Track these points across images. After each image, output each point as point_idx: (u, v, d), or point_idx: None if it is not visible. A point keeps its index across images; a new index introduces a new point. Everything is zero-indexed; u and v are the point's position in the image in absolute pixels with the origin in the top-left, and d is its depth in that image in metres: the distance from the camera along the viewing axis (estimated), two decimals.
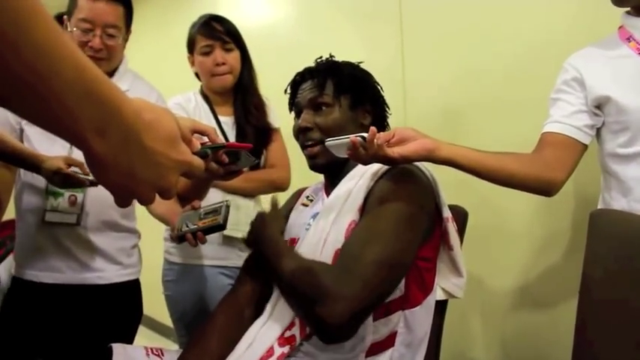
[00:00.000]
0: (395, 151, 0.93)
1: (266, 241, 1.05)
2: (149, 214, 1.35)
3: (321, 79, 1.11)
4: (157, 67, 2.73)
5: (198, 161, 0.54)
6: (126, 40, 1.43)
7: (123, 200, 0.49)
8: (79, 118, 0.40)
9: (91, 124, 0.40)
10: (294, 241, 1.11)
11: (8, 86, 0.36)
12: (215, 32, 1.56)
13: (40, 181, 1.34)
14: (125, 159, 0.44)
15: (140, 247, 1.55)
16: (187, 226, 1.05)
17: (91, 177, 1.25)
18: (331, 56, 1.17)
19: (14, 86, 0.36)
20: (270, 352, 0.93)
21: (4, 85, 0.36)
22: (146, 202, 0.49)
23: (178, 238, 1.06)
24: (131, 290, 1.48)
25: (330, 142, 0.98)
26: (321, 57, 1.17)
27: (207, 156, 0.65)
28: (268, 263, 1.01)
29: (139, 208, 1.51)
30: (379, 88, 1.18)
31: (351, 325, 0.86)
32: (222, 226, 1.02)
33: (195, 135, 0.73)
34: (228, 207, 1.04)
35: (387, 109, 1.19)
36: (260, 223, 1.11)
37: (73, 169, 1.24)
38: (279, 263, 0.97)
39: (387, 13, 1.92)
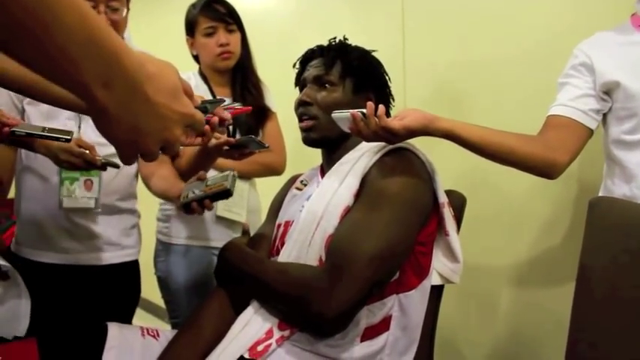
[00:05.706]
0: (395, 122, 0.95)
1: (239, 256, 1.06)
2: (148, 193, 1.33)
3: (330, 57, 1.12)
4: (154, 49, 2.70)
5: (200, 115, 0.53)
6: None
7: (128, 156, 0.48)
8: (82, 68, 0.39)
9: (95, 74, 0.40)
10: (288, 224, 1.10)
11: (8, 31, 0.35)
12: (218, 14, 1.56)
13: (49, 165, 1.28)
14: (130, 111, 0.44)
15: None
16: (194, 193, 1.04)
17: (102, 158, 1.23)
18: (345, 38, 1.18)
19: (14, 31, 0.35)
20: (269, 334, 0.92)
21: (4, 30, 0.35)
22: (150, 157, 0.49)
23: (184, 206, 1.05)
24: (129, 271, 1.47)
25: (336, 114, 1.01)
26: (335, 37, 1.18)
27: (207, 111, 0.66)
28: (245, 275, 1.01)
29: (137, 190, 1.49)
30: (387, 78, 1.18)
31: (345, 319, 0.89)
32: (228, 192, 1.02)
33: None
34: (234, 175, 1.05)
35: (391, 100, 1.19)
36: (228, 246, 1.12)
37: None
38: (259, 271, 0.98)
39: None
